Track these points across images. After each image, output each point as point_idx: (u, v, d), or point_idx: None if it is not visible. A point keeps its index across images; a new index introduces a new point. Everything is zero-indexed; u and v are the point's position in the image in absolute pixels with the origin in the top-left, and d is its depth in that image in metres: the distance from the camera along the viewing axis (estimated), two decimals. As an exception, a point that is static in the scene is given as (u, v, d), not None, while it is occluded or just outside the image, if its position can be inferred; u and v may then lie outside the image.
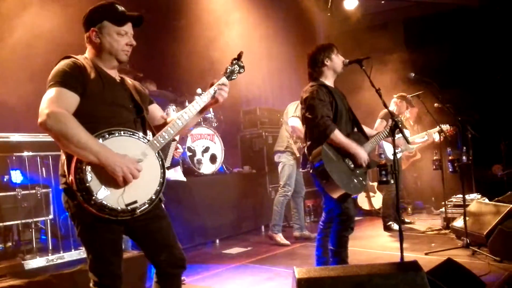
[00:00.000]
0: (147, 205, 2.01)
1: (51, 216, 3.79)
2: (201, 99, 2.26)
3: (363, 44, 7.00)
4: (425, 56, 7.02)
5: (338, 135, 3.15)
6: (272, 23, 7.34)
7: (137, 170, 1.95)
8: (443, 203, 5.56)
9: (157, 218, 2.16)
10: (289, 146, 5.33)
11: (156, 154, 2.10)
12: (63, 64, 2.02)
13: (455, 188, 5.71)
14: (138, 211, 1.98)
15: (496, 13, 7.21)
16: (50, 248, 3.62)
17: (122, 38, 2.11)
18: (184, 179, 5.35)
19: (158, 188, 2.07)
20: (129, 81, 2.31)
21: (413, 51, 7.72)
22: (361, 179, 3.28)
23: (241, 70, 2.44)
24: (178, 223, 5.07)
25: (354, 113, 3.49)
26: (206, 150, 5.98)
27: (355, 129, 3.45)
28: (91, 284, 2.06)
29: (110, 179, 1.90)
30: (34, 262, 3.30)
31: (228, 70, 2.39)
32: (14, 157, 3.66)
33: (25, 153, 3.55)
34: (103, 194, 1.89)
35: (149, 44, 6.48)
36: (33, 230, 3.67)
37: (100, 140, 1.92)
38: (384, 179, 3.37)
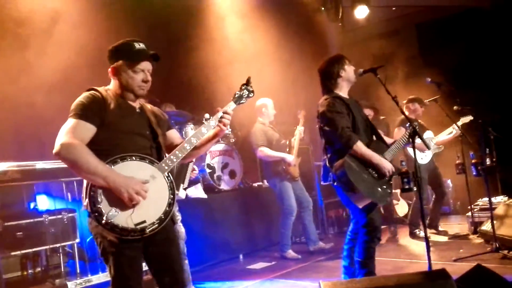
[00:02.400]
0: (156, 225, 2.14)
1: (77, 240, 3.87)
2: (209, 124, 2.38)
3: (377, 52, 6.99)
4: (440, 59, 6.96)
5: (360, 146, 3.17)
6: (284, 38, 7.39)
7: (143, 190, 2.09)
8: (469, 207, 5.44)
9: (169, 241, 2.32)
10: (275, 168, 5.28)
11: (165, 176, 2.23)
12: (82, 97, 2.21)
13: (480, 191, 5.60)
14: (147, 230, 2.11)
15: (509, 13, 7.12)
16: (78, 271, 3.68)
17: (138, 75, 2.27)
18: (205, 196, 5.38)
19: (167, 208, 2.19)
20: (148, 107, 2.46)
21: (427, 56, 7.68)
22: (385, 187, 3.27)
23: (250, 95, 2.55)
24: (201, 239, 5.09)
25: (371, 122, 3.49)
26: (225, 166, 6.01)
27: (374, 138, 3.45)
28: None
29: (119, 200, 2.06)
30: (63, 287, 3.36)
31: (237, 95, 2.51)
32: (40, 184, 3.76)
33: (50, 180, 3.65)
34: (113, 214, 2.05)
35: (165, 66, 6.60)
36: (61, 254, 3.74)
37: (112, 166, 2.09)
38: (407, 186, 3.33)
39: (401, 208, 6.84)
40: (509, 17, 7.08)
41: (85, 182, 2.16)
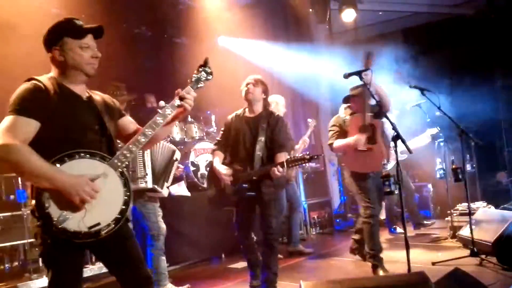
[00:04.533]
0: (112, 226, 2.00)
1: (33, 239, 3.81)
2: (165, 113, 2.21)
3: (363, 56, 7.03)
4: (425, 64, 7.06)
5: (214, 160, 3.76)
6: (272, 37, 7.41)
7: (93, 190, 1.94)
8: (448, 212, 5.53)
9: (123, 238, 2.15)
10: None
11: (118, 173, 2.06)
12: (22, 89, 1.99)
13: (460, 197, 5.69)
14: (102, 232, 1.97)
15: (491, 20, 7.29)
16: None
17: (86, 51, 2.09)
18: (188, 194, 5.36)
19: (123, 207, 2.05)
20: (97, 97, 2.26)
21: (412, 60, 7.77)
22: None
23: (208, 77, 2.37)
24: (183, 238, 5.07)
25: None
26: (209, 164, 5.98)
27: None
28: None
29: (68, 203, 1.90)
30: (41, 282, 3.31)
31: (194, 78, 2.34)
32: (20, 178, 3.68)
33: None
34: (63, 219, 1.89)
35: (150, 59, 6.56)
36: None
37: (58, 165, 1.92)
38: (388, 189, 3.38)
39: (383, 211, 6.90)
40: (492, 24, 7.24)
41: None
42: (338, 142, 4.15)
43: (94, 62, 2.12)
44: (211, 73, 2.39)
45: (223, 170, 3.57)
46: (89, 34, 2.11)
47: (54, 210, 1.89)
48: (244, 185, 3.50)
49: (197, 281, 4.44)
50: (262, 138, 3.55)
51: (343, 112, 4.43)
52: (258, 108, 3.68)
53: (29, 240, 3.64)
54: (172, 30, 7.02)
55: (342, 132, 4.19)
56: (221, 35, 7.33)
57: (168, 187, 4.08)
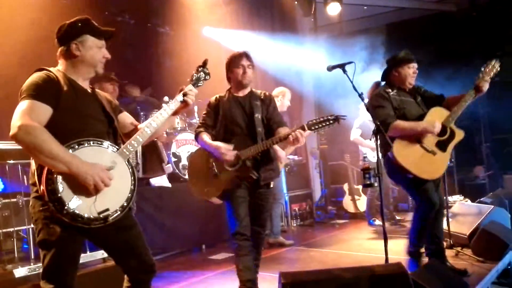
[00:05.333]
0: (119, 212, 2.06)
1: (33, 225, 3.74)
2: (169, 107, 2.33)
3: (347, 49, 7.07)
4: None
5: (200, 138, 3.30)
6: (256, 30, 7.40)
7: (108, 178, 2.01)
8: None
9: (127, 227, 2.21)
10: None
11: (126, 162, 2.15)
12: (36, 76, 2.06)
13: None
14: (110, 218, 2.03)
15: (472, 17, 7.41)
16: (32, 257, 3.56)
17: (100, 51, 2.22)
18: (169, 184, 5.31)
19: (129, 195, 2.12)
20: (100, 92, 2.37)
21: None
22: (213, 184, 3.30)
23: (206, 77, 2.52)
24: (163, 229, 5.05)
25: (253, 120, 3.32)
26: (191, 155, 5.94)
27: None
28: None
29: (81, 188, 1.95)
30: (16, 272, 3.25)
31: (194, 78, 2.47)
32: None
33: (7, 161, 3.51)
34: (75, 203, 1.94)
35: (132, 49, 6.47)
36: (15, 239, 3.61)
37: (70, 151, 1.97)
38: (368, 182, 3.41)
39: (362, 203, 6.98)
40: (473, 21, 7.35)
41: (33, 166, 2.05)
42: (401, 124, 3.50)
43: (103, 62, 2.26)
44: (209, 74, 2.53)
45: (223, 145, 3.13)
46: (105, 36, 2.25)
47: (66, 195, 1.92)
48: (248, 164, 3.10)
49: (177, 271, 4.43)
50: (258, 115, 3.27)
51: (383, 90, 3.75)
52: (248, 89, 3.43)
53: (4, 230, 3.57)
54: (156, 20, 6.92)
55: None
56: (206, 26, 7.28)
57: (168, 163, 4.12)
